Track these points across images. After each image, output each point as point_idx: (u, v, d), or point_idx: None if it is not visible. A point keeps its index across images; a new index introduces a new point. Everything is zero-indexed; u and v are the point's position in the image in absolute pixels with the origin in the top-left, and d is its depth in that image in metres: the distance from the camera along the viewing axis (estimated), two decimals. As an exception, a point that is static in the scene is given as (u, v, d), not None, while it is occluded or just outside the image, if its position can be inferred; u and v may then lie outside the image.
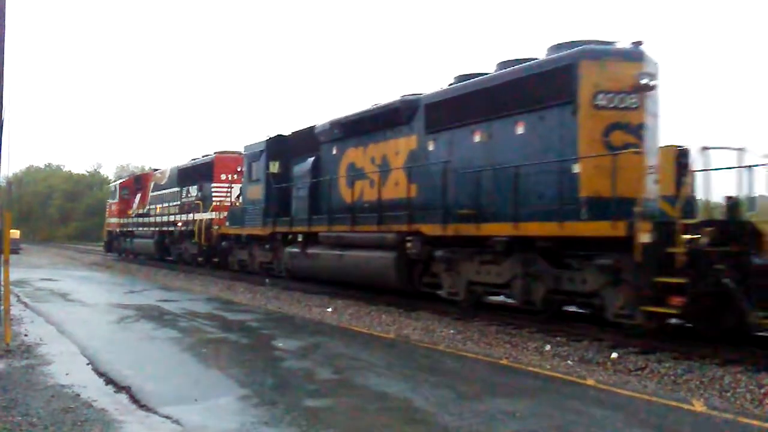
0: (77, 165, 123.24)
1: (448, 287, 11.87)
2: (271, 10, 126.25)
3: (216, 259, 23.12)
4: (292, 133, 18.24)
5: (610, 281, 8.82)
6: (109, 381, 6.80)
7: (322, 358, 8.24)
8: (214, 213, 22.73)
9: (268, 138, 18.48)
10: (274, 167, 18.04)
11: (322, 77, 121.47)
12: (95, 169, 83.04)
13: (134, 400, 6.08)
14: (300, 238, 16.30)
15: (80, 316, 12.08)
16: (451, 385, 6.76)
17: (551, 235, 9.54)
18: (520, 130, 10.59)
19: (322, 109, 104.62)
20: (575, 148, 9.60)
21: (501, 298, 11.69)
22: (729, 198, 8.93)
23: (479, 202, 10.95)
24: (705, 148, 8.98)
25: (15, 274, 15.38)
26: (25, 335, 9.44)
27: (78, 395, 6.14)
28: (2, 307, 9.17)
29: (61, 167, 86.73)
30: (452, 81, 12.59)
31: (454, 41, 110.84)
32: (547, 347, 8.79)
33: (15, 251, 33.93)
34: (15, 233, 37.96)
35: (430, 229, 11.80)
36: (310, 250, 15.67)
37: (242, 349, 9.12)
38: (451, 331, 10.21)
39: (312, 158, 16.54)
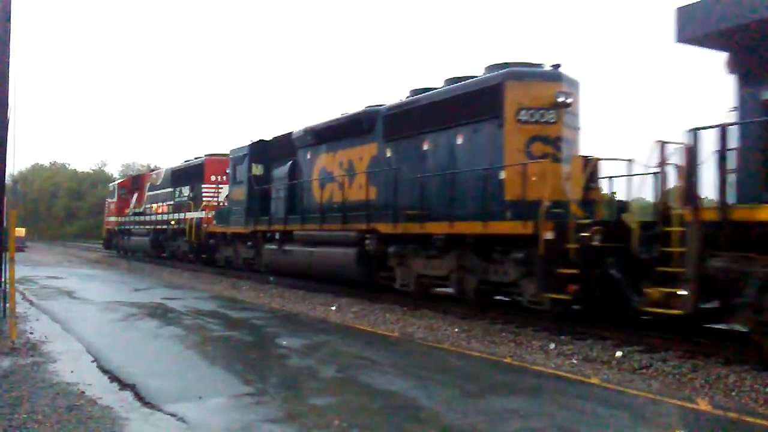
0: (82, 163, 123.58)
1: (400, 280, 13.24)
2: (274, 15, 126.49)
3: (204, 256, 24.17)
4: (273, 138, 19.58)
5: (525, 273, 10.19)
6: (114, 378, 6.82)
7: (326, 356, 8.24)
8: (203, 212, 23.94)
9: (251, 143, 19.85)
10: (257, 170, 19.49)
11: (321, 77, 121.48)
12: (100, 168, 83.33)
13: (139, 397, 6.09)
14: (277, 236, 17.70)
15: (85, 314, 12.12)
16: (456, 384, 6.76)
17: (478, 233, 10.99)
18: (459, 140, 12.02)
19: (323, 107, 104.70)
20: (502, 158, 10.97)
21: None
22: (618, 202, 10.53)
23: (424, 204, 12.32)
24: (599, 159, 10.70)
25: (20, 272, 15.42)
26: (31, 333, 9.47)
27: (83, 393, 6.15)
28: (8, 305, 9.21)
29: (67, 165, 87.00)
30: (408, 94, 13.91)
31: (442, 44, 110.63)
32: (552, 346, 8.77)
33: (20, 249, 34.04)
34: (20, 231, 38.15)
35: (384, 228, 13.26)
36: (286, 247, 17.10)
37: (246, 347, 9.13)
38: (456, 330, 10.20)
39: (290, 162, 17.94)
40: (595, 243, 9.47)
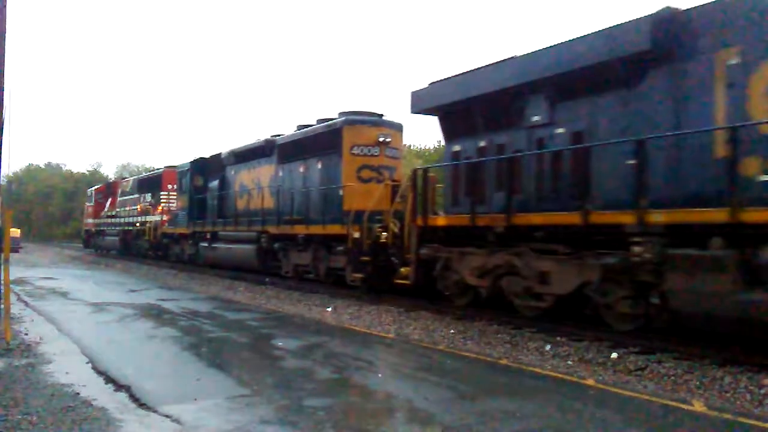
0: (77, 164, 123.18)
1: (284, 268, 18.09)
2: (272, 17, 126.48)
3: (160, 253, 28.79)
4: (210, 156, 24.40)
5: (346, 260, 14.92)
6: (109, 380, 6.79)
7: (321, 358, 8.23)
8: (160, 216, 28.62)
9: (192, 160, 24.88)
10: (197, 182, 24.41)
11: (314, 80, 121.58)
12: (95, 168, 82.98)
13: (134, 398, 6.07)
14: (209, 236, 22.75)
15: (80, 315, 12.08)
16: (451, 385, 6.76)
17: (321, 234, 15.89)
18: (319, 166, 16.80)
19: (313, 109, 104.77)
20: (341, 180, 15.63)
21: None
22: (396, 212, 13.76)
23: (294, 212, 17.28)
24: (398, 183, 14.67)
25: (15, 273, 15.38)
26: (26, 334, 9.44)
27: (78, 394, 6.13)
28: (2, 306, 9.17)
29: (62, 166, 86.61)
30: (295, 128, 18.58)
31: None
32: (547, 347, 8.78)
33: (15, 250, 34.12)
34: (15, 232, 38.52)
35: (272, 229, 18.30)
36: (214, 245, 22.22)
37: (242, 349, 9.11)
38: (451, 331, 10.19)
39: (220, 176, 22.91)
40: (382, 240, 13.92)
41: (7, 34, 9.69)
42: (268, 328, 10.70)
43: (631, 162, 8.41)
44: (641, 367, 7.56)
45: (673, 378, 7.13)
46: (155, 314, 12.27)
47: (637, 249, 8.28)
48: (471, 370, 7.65)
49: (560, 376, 7.28)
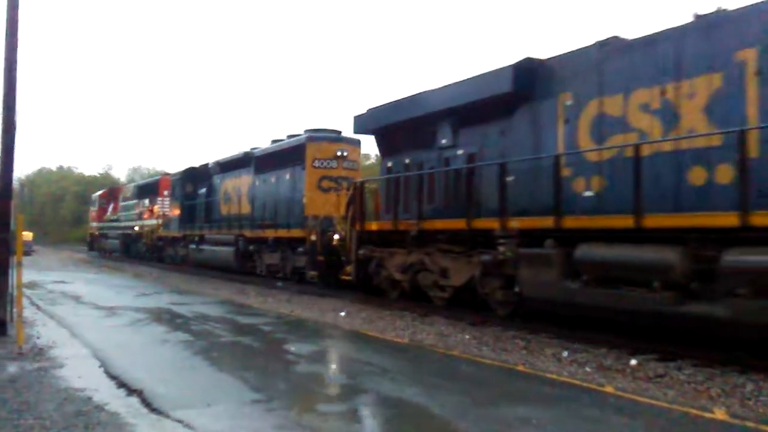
0: (89, 167, 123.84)
1: (259, 268, 20.58)
2: (282, 16, 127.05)
3: (155, 254, 31.30)
4: (200, 166, 26.91)
5: (306, 260, 17.27)
6: (121, 384, 6.74)
7: (334, 363, 8.14)
8: (156, 220, 31.12)
9: (184, 169, 27.65)
10: (188, 189, 26.98)
11: (327, 82, 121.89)
12: (106, 171, 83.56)
13: (146, 403, 6.00)
14: (197, 239, 25.29)
15: (92, 319, 12.07)
16: (467, 391, 6.65)
17: (287, 236, 18.45)
18: (287, 176, 19.31)
19: (330, 110, 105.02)
20: (304, 189, 18.19)
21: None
22: (345, 216, 15.34)
23: (267, 217, 19.99)
24: (346, 190, 16.34)
25: (27, 276, 15.37)
26: (38, 338, 9.43)
27: (90, 398, 6.08)
28: (15, 310, 9.16)
29: (73, 169, 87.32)
30: (270, 142, 21.18)
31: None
32: (565, 353, 8.64)
33: (28, 253, 34.37)
34: (28, 235, 39.12)
35: (247, 233, 21.05)
36: (201, 247, 24.76)
37: (254, 353, 9.04)
38: (466, 337, 10.08)
39: (208, 184, 25.49)
40: (334, 242, 15.76)
41: (18, 37, 9.71)
42: (281, 333, 10.63)
43: (496, 180, 10.70)
44: (661, 374, 7.43)
45: (693, 385, 6.99)
46: (167, 318, 12.24)
47: (501, 249, 10.53)
48: (486, 377, 7.53)
49: (578, 383, 7.14)
